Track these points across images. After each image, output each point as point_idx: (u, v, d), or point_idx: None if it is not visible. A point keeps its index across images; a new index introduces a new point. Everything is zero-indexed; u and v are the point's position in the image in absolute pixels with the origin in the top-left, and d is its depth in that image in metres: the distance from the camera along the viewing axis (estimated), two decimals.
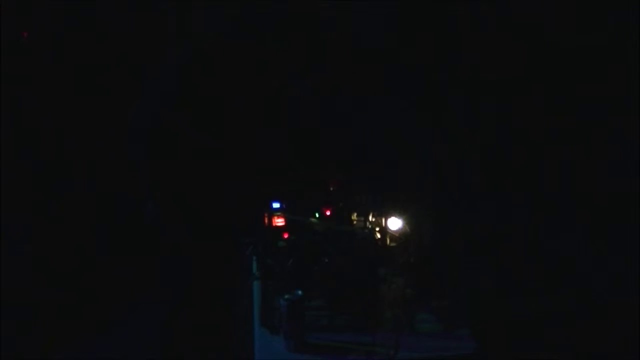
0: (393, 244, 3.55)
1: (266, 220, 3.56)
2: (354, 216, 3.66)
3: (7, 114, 4.31)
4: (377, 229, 3.57)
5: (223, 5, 4.46)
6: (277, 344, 3.08)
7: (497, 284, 3.82)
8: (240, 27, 4.47)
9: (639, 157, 4.12)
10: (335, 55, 4.41)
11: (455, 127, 4.41)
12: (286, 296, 3.06)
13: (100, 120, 4.49)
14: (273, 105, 4.46)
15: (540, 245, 4.11)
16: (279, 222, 3.55)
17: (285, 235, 3.53)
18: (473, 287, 3.71)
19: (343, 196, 3.71)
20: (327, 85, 4.41)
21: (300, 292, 3.09)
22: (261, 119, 4.46)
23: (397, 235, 3.55)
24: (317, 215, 3.61)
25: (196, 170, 4.44)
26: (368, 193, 3.69)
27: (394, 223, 3.56)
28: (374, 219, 3.61)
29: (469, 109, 4.43)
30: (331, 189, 3.80)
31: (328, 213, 3.62)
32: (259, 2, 4.41)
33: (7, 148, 4.30)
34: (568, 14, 4.30)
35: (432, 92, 4.40)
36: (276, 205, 3.60)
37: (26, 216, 4.30)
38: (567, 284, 3.90)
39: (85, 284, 4.03)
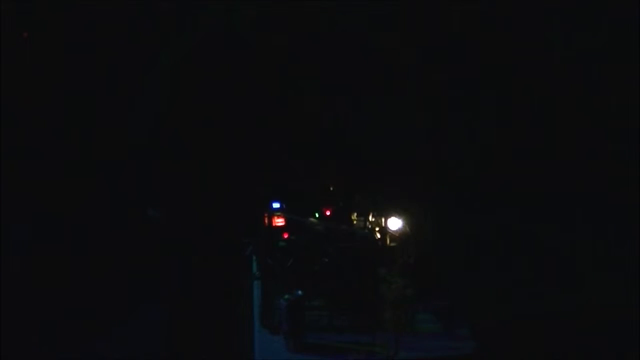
0: (393, 244, 3.56)
1: (266, 220, 3.57)
2: (354, 216, 3.67)
3: (7, 114, 4.32)
4: (377, 229, 3.58)
5: (222, 3, 4.46)
6: (277, 344, 3.09)
7: (497, 284, 3.82)
8: (239, 25, 4.47)
9: (639, 157, 4.12)
10: (336, 54, 4.41)
11: (455, 127, 4.41)
12: (286, 296, 3.08)
13: (101, 121, 4.49)
14: (274, 106, 4.46)
15: (540, 246, 4.11)
16: (279, 222, 3.57)
17: (285, 235, 3.54)
18: (473, 287, 3.71)
19: (343, 196, 3.72)
20: (327, 85, 4.41)
21: (300, 292, 3.10)
22: (262, 119, 4.46)
23: (397, 235, 3.55)
24: (317, 215, 3.62)
25: (196, 170, 4.44)
26: (368, 193, 3.70)
27: (394, 223, 3.57)
28: (374, 219, 3.62)
29: (469, 109, 4.43)
30: (331, 189, 3.80)
31: (328, 213, 3.63)
32: (261, 1, 4.41)
33: (8, 148, 4.30)
34: (568, 14, 4.30)
35: (432, 92, 4.39)
36: (276, 205, 3.61)
37: (27, 217, 4.30)
38: (567, 284, 3.90)
39: (86, 285, 4.03)
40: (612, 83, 4.24)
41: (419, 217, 3.59)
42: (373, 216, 3.62)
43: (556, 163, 4.31)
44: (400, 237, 3.56)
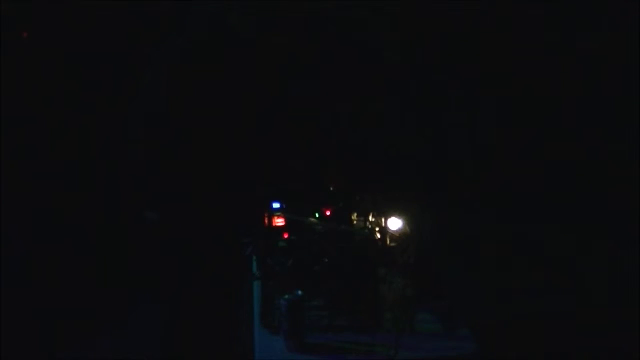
0: (393, 244, 3.56)
1: (266, 220, 3.57)
2: (354, 216, 3.66)
3: (7, 114, 4.32)
4: (377, 229, 3.58)
5: (223, 2, 4.46)
6: (277, 344, 3.09)
7: (496, 284, 3.82)
8: (240, 24, 4.47)
9: (639, 157, 4.12)
10: (336, 55, 4.41)
11: (455, 127, 4.41)
12: (286, 296, 3.08)
13: (100, 121, 4.49)
14: (273, 105, 4.46)
15: (539, 246, 4.11)
16: (279, 222, 3.56)
17: (285, 235, 3.54)
18: (473, 287, 3.71)
19: (343, 196, 3.72)
20: (327, 85, 4.41)
21: (300, 292, 3.10)
22: (261, 119, 4.46)
23: (397, 235, 3.55)
24: (317, 215, 3.61)
25: (196, 170, 4.44)
26: (368, 193, 3.70)
27: (394, 223, 3.56)
28: (374, 219, 3.62)
29: (469, 109, 4.43)
30: (331, 189, 3.80)
31: (328, 213, 3.63)
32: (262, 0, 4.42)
33: (7, 148, 4.30)
34: (567, 14, 4.30)
35: (432, 92, 4.40)
36: (276, 205, 3.61)
37: (27, 217, 4.30)
38: (566, 284, 3.90)
39: (85, 285, 4.03)
40: (612, 83, 4.25)
41: (418, 217, 3.58)
42: (373, 216, 3.62)
43: (556, 163, 4.31)
44: (400, 237, 3.56)
